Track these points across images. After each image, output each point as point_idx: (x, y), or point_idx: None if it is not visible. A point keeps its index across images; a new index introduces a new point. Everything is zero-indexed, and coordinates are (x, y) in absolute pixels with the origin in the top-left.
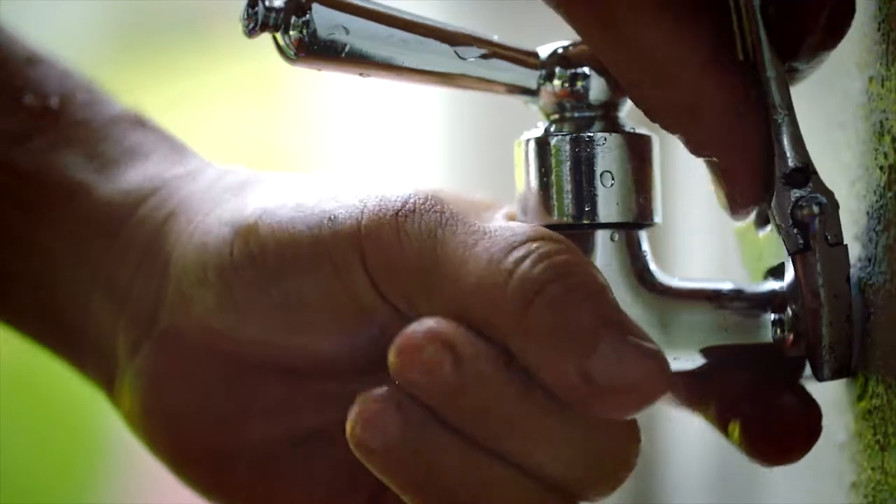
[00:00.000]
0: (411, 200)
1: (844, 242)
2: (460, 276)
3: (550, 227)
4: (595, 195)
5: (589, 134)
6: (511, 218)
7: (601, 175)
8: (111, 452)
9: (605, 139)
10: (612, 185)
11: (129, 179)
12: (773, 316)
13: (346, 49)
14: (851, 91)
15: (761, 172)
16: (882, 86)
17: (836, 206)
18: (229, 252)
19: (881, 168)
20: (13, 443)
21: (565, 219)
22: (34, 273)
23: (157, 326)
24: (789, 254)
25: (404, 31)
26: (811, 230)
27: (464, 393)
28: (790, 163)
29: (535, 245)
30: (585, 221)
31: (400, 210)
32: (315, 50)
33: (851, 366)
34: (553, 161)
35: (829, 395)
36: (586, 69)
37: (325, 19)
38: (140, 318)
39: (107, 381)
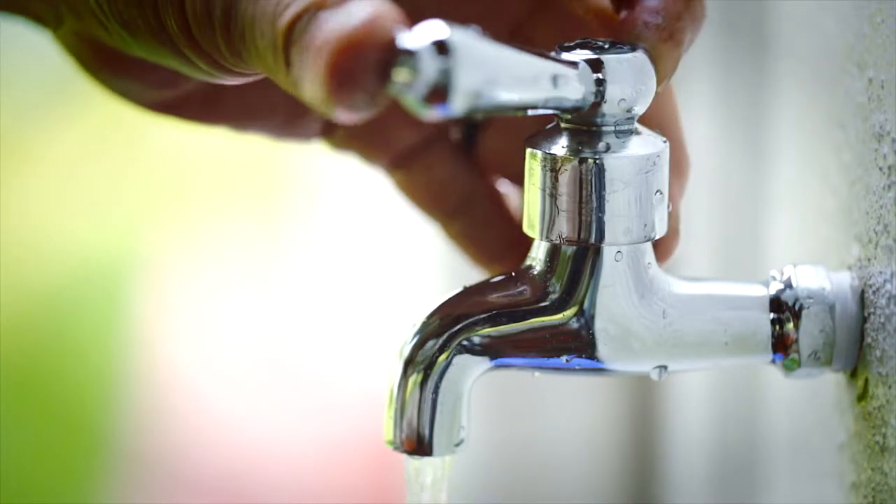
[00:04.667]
0: None
1: None
2: None
3: (554, 241)
4: (602, 220)
5: (599, 158)
6: None
7: (609, 201)
8: (111, 452)
9: (616, 163)
10: (620, 209)
11: None
12: (772, 315)
13: None
14: (851, 91)
15: None
16: (882, 87)
17: None
18: None
19: (881, 168)
20: (13, 443)
21: (570, 236)
22: None
23: None
24: None
25: None
26: None
27: None
28: None
29: None
30: (591, 242)
31: None
32: None
33: None
34: (562, 182)
35: (829, 395)
36: (601, 75)
37: None
38: None
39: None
